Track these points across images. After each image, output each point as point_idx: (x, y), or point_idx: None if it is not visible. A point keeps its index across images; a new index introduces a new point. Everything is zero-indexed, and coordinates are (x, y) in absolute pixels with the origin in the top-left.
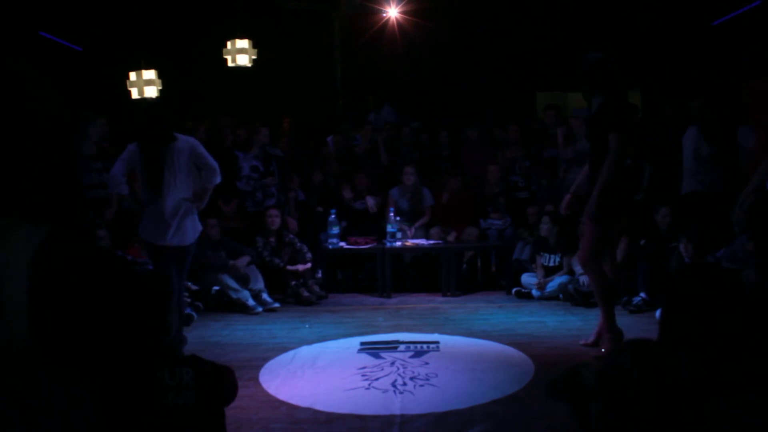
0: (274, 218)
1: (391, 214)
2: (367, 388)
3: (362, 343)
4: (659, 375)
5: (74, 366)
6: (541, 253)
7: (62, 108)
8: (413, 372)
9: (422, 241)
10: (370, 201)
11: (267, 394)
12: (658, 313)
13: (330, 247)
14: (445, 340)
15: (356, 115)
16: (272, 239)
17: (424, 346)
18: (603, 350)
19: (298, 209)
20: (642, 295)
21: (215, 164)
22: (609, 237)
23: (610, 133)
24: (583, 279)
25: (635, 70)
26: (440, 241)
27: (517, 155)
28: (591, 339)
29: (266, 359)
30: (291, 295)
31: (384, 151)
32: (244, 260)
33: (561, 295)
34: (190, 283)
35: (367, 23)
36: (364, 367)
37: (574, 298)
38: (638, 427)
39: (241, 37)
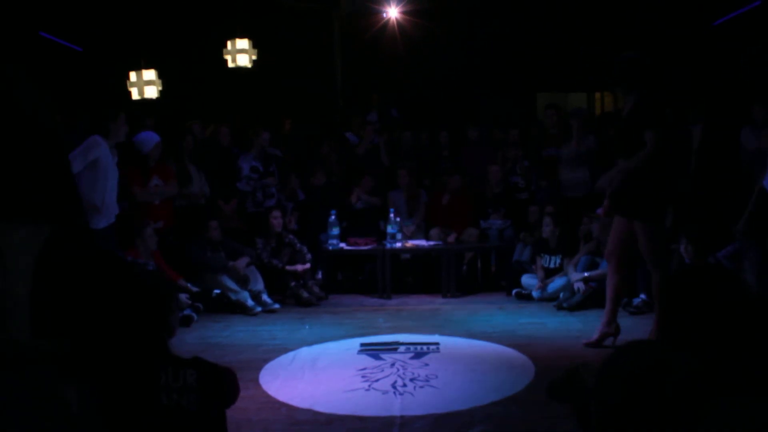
0: (279, 219)
1: (392, 215)
2: (367, 390)
3: (362, 345)
4: (658, 375)
5: (75, 365)
6: (542, 255)
7: (59, 110)
8: (413, 373)
9: (422, 242)
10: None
11: (267, 396)
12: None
13: (330, 248)
14: (445, 341)
15: (356, 115)
16: (272, 240)
17: (424, 347)
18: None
19: (298, 209)
20: (642, 296)
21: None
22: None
23: (647, 131)
24: (578, 285)
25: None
26: (440, 242)
27: (518, 155)
28: (594, 338)
29: (266, 360)
30: (291, 296)
31: (385, 153)
32: (243, 261)
33: (561, 294)
34: (189, 284)
35: (367, 23)
36: (364, 369)
37: (563, 308)
38: (637, 428)
39: (241, 37)
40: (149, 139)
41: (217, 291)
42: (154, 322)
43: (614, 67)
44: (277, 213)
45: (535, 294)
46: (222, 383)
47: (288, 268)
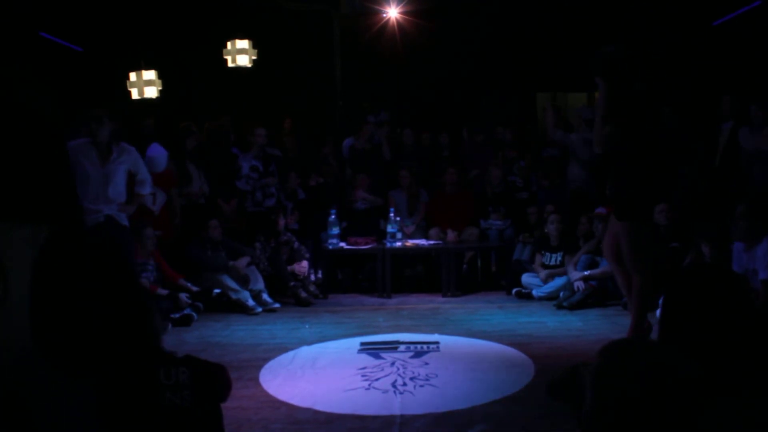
0: (284, 221)
1: (392, 214)
2: (367, 389)
3: (362, 344)
4: (656, 374)
5: (74, 365)
6: (543, 252)
7: (58, 110)
8: (413, 372)
9: (422, 242)
10: (362, 194)
11: (267, 395)
12: (658, 313)
13: (330, 247)
14: (445, 340)
15: (355, 116)
16: (272, 242)
17: (424, 346)
18: None
19: (298, 208)
20: None
21: None
22: (649, 234)
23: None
24: (578, 284)
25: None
26: (440, 242)
27: (514, 155)
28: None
29: (266, 359)
30: (291, 295)
31: (387, 147)
32: (244, 261)
33: (561, 293)
34: (189, 284)
35: (367, 23)
36: (364, 368)
37: (563, 306)
38: (633, 427)
39: (241, 38)
40: (161, 156)
41: (217, 290)
42: (147, 321)
43: (593, 59)
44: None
45: (535, 293)
46: (214, 379)
47: (288, 268)
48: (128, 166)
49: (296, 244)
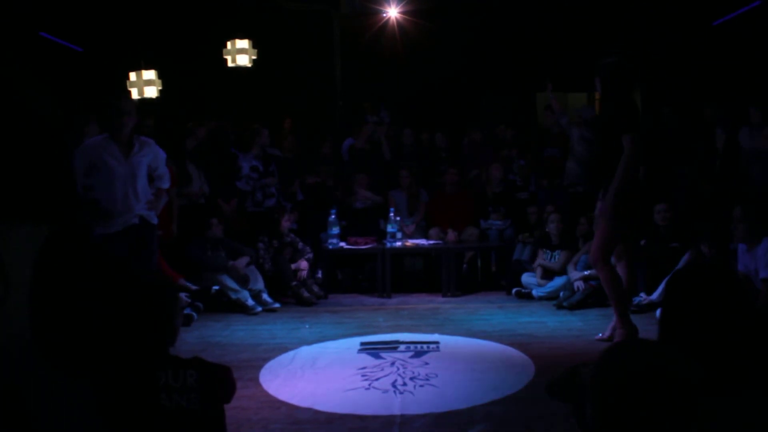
0: (287, 223)
1: (392, 214)
2: (367, 389)
3: (362, 344)
4: (656, 374)
5: (74, 366)
6: (544, 250)
7: (58, 109)
8: (413, 372)
9: (422, 241)
10: (367, 194)
11: (267, 395)
12: (658, 312)
13: (330, 247)
14: (445, 340)
15: (355, 116)
16: (275, 242)
17: (424, 346)
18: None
19: (297, 209)
20: (642, 295)
21: None
22: (619, 236)
23: (624, 135)
24: (578, 284)
25: (638, 71)
26: (440, 242)
27: (513, 154)
28: (607, 334)
29: (266, 359)
30: (291, 295)
31: (387, 147)
32: (243, 261)
33: (561, 293)
34: (189, 284)
35: (367, 23)
36: (364, 368)
37: (563, 306)
38: (634, 427)
39: (241, 37)
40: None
41: (215, 288)
42: (159, 324)
43: (599, 72)
44: (285, 216)
45: (535, 293)
46: (221, 382)
47: (292, 266)
48: (149, 160)
49: (300, 245)
